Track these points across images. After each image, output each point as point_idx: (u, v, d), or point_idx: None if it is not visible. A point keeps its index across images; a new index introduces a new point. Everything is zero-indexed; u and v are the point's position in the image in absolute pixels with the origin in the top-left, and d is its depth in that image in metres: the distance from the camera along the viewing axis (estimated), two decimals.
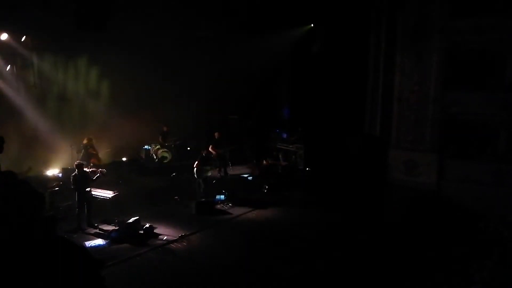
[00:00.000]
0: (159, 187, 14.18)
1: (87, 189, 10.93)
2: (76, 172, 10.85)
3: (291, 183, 14.77)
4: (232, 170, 16.29)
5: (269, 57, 17.18)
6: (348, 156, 15.23)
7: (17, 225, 4.40)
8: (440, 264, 8.86)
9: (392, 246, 10.05)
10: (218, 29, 16.51)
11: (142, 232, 10.39)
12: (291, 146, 16.89)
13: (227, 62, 17.17)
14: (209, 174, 13.73)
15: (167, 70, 16.71)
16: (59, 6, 12.09)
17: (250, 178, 15.70)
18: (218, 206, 12.65)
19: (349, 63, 15.94)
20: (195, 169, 13.09)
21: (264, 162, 16.17)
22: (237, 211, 12.43)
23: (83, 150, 14.09)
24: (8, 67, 13.78)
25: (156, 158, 16.82)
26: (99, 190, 11.57)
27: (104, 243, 10.01)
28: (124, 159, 16.50)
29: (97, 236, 10.38)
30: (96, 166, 13.33)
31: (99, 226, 10.88)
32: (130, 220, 10.56)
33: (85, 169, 11.31)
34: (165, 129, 17.06)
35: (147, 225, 10.58)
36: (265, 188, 14.10)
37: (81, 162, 11.47)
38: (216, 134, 16.00)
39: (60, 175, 13.48)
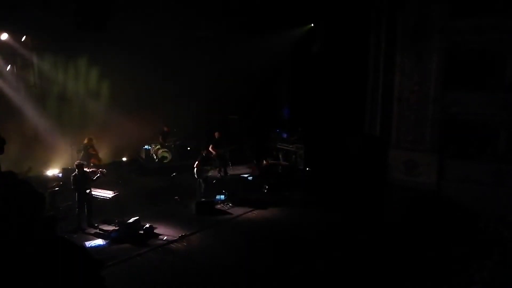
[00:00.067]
0: (159, 187, 14.19)
1: (87, 189, 10.93)
2: (76, 172, 10.86)
3: (291, 183, 14.76)
4: (232, 170, 16.29)
5: (269, 57, 17.18)
6: (348, 156, 15.24)
7: (17, 225, 4.40)
8: (440, 264, 8.86)
9: (392, 246, 10.05)
10: (218, 29, 16.51)
11: (142, 232, 10.39)
12: (291, 146, 16.89)
13: (227, 62, 17.17)
14: (209, 174, 13.73)
15: (167, 70, 16.71)
16: (59, 6, 12.08)
17: (250, 178, 15.69)
18: (218, 206, 12.65)
19: (349, 63, 15.93)
20: (195, 169, 13.09)
21: (264, 162, 16.17)
22: (237, 211, 12.43)
23: (83, 150, 14.09)
24: (8, 67, 13.79)
25: (156, 158, 16.81)
26: (99, 190, 11.58)
27: (104, 243, 10.02)
28: (124, 159, 16.51)
29: (97, 236, 10.39)
30: (96, 166, 13.34)
31: (99, 226, 10.88)
32: (130, 220, 10.57)
33: (85, 169, 11.31)
34: (165, 129, 17.06)
35: (147, 225, 10.59)
36: (265, 188, 14.10)
37: (81, 162, 11.47)
38: (216, 134, 16.00)
39: (60, 175, 13.49)
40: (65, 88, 15.24)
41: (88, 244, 9.84)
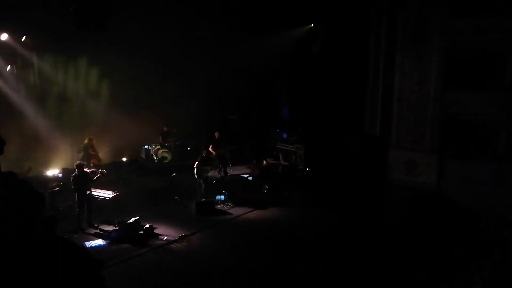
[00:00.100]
0: (159, 187, 14.19)
1: (87, 190, 10.93)
2: (76, 172, 10.86)
3: (291, 183, 14.76)
4: (232, 170, 16.30)
5: (269, 57, 17.18)
6: (348, 156, 15.23)
7: (17, 225, 4.40)
8: (440, 264, 8.86)
9: (392, 246, 10.05)
10: (218, 29, 16.51)
11: (142, 232, 10.38)
12: (291, 146, 16.89)
13: (227, 62, 17.17)
14: (209, 174, 13.73)
15: (167, 70, 16.72)
16: (59, 6, 12.08)
17: (250, 178, 15.69)
18: (218, 206, 12.64)
19: (349, 63, 15.93)
20: (195, 169, 13.10)
21: (264, 162, 16.17)
22: (237, 211, 12.43)
23: (83, 151, 14.09)
24: (8, 67, 13.81)
25: (156, 158, 16.82)
26: (99, 190, 11.57)
27: (104, 243, 10.02)
28: (124, 159, 16.51)
29: (97, 236, 10.38)
30: (96, 166, 13.35)
31: (99, 226, 10.88)
32: (130, 220, 10.57)
33: (85, 169, 11.31)
34: (165, 129, 17.06)
35: (147, 225, 10.58)
36: (265, 188, 14.09)
37: (81, 162, 11.48)
38: (216, 134, 16.00)
39: (60, 175, 13.49)
40: (65, 88, 15.25)
41: (88, 244, 9.84)
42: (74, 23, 11.77)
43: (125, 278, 8.52)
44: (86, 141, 14.13)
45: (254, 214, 12.35)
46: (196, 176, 13.10)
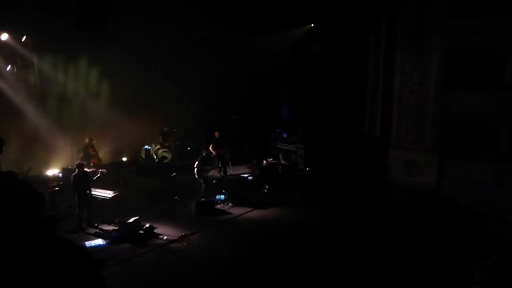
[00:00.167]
0: (159, 187, 14.19)
1: (87, 189, 10.93)
2: (76, 172, 10.86)
3: (291, 183, 14.75)
4: (232, 170, 16.29)
5: (269, 57, 17.18)
6: (348, 156, 15.23)
7: (17, 225, 4.40)
8: (440, 264, 8.86)
9: (392, 246, 10.05)
10: (218, 29, 16.51)
11: (142, 232, 10.39)
12: (291, 146, 16.88)
13: (227, 62, 17.17)
14: (209, 174, 13.73)
15: (167, 70, 16.72)
16: (59, 6, 12.10)
17: (250, 178, 15.69)
18: (218, 206, 12.65)
19: (349, 63, 15.92)
20: (195, 169, 13.10)
21: (264, 162, 16.17)
22: (237, 211, 12.43)
23: (83, 151, 14.09)
24: (8, 67, 13.81)
25: (156, 158, 16.82)
26: (99, 190, 11.58)
27: (104, 243, 10.02)
28: (124, 159, 16.48)
29: (97, 236, 10.39)
30: (96, 166, 13.35)
31: (99, 226, 10.88)
32: (130, 220, 10.56)
33: (85, 169, 11.31)
34: (165, 129, 17.06)
35: (147, 225, 10.58)
36: (265, 188, 14.09)
37: (81, 162, 11.47)
38: (216, 133, 16.01)
39: (60, 175, 13.49)
40: (65, 88, 15.25)
41: (88, 244, 9.84)
42: (74, 23, 11.79)
43: (125, 278, 8.52)
44: (86, 141, 14.13)
45: (254, 214, 12.35)
46: (196, 176, 13.10)
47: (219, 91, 18.10)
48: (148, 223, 10.72)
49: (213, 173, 14.94)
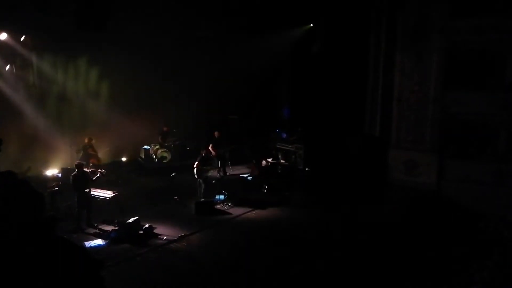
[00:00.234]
0: (158, 187, 14.18)
1: (86, 190, 10.92)
2: (76, 172, 10.85)
3: (291, 183, 14.74)
4: (232, 170, 16.28)
5: (269, 57, 17.17)
6: (348, 156, 15.22)
7: (17, 225, 4.39)
8: (440, 264, 8.85)
9: (392, 246, 10.04)
10: (218, 29, 16.51)
11: (142, 232, 10.38)
12: (291, 146, 16.86)
13: (227, 62, 17.16)
14: (209, 174, 13.72)
15: (167, 70, 16.71)
16: (59, 6, 12.10)
17: (250, 178, 15.68)
18: (218, 206, 12.64)
19: (349, 63, 15.92)
20: (195, 169, 13.08)
21: (264, 162, 16.15)
22: (237, 211, 12.42)
23: (82, 151, 14.08)
24: (8, 67, 13.79)
25: (155, 158, 16.81)
26: (99, 190, 11.57)
27: (104, 243, 10.01)
28: (123, 159, 16.48)
29: (97, 236, 10.37)
30: (96, 166, 13.34)
31: (99, 226, 10.87)
32: (130, 220, 10.55)
33: (85, 169, 11.30)
34: (165, 129, 17.04)
35: (147, 225, 10.57)
36: (265, 188, 14.09)
37: (81, 162, 11.46)
38: (216, 133, 15.99)
39: (60, 175, 13.47)
40: (65, 88, 15.23)
41: (88, 244, 9.83)
42: (74, 23, 11.80)
43: (125, 278, 8.51)
44: (85, 141, 14.12)
45: (254, 214, 12.35)
46: (196, 176, 13.08)
47: (219, 91, 18.08)
48: (148, 223, 10.71)
49: (213, 173, 14.93)
